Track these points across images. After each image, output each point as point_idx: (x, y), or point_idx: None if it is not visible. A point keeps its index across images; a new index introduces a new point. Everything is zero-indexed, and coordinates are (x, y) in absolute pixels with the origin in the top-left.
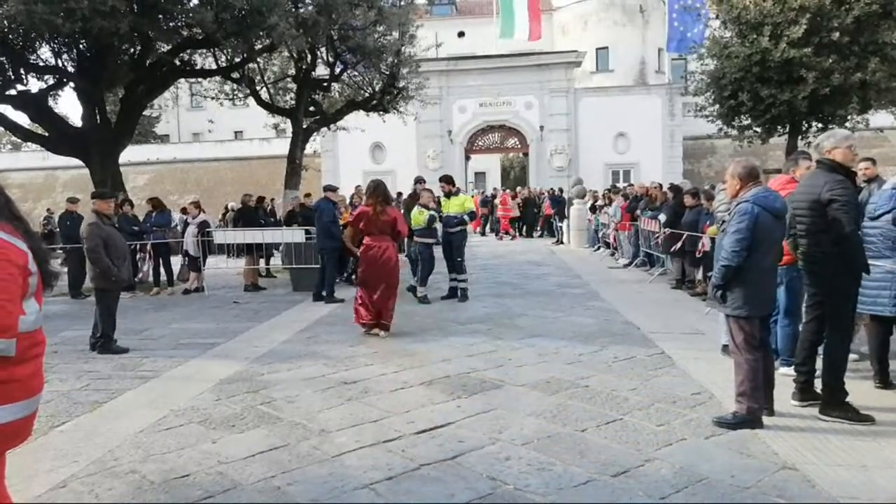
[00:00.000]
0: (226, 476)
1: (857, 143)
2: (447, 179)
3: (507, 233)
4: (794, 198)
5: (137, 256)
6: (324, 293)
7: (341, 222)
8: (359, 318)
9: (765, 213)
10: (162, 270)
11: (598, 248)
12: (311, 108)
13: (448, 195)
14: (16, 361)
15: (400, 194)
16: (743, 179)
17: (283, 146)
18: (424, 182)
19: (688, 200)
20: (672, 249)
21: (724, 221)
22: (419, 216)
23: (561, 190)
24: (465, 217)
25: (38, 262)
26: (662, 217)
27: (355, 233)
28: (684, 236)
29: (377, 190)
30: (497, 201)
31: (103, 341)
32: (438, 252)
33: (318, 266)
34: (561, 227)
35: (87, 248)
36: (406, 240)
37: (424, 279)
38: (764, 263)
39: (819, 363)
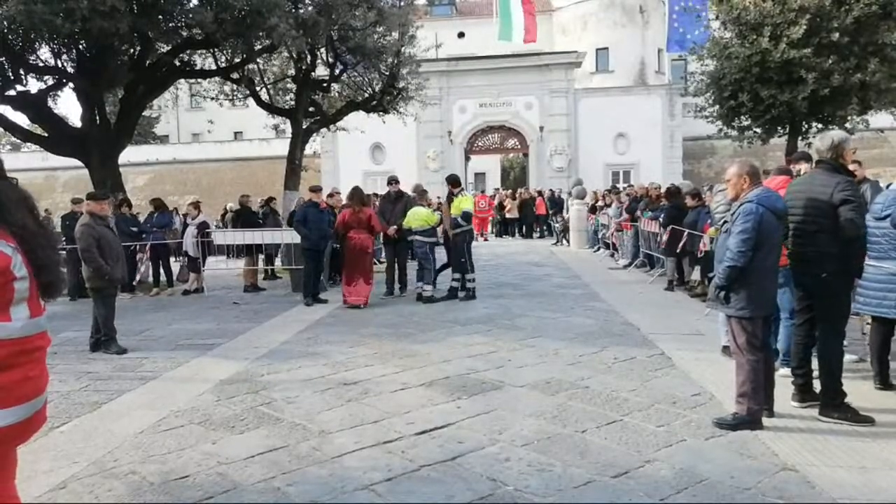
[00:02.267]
0: (226, 477)
1: (854, 144)
2: (450, 180)
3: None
4: (792, 197)
5: (137, 257)
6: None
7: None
8: (345, 299)
9: (769, 213)
10: (161, 271)
11: (598, 248)
12: (311, 109)
13: (450, 197)
14: None
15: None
16: (752, 177)
17: (282, 147)
18: (398, 182)
19: (688, 201)
20: (677, 250)
21: (725, 222)
22: (431, 216)
23: (561, 190)
24: (458, 219)
25: (37, 268)
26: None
27: (343, 227)
28: (685, 235)
29: (355, 195)
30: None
31: (107, 339)
32: (438, 254)
33: None
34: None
35: (80, 249)
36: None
37: (430, 279)
38: (767, 264)
39: (814, 363)
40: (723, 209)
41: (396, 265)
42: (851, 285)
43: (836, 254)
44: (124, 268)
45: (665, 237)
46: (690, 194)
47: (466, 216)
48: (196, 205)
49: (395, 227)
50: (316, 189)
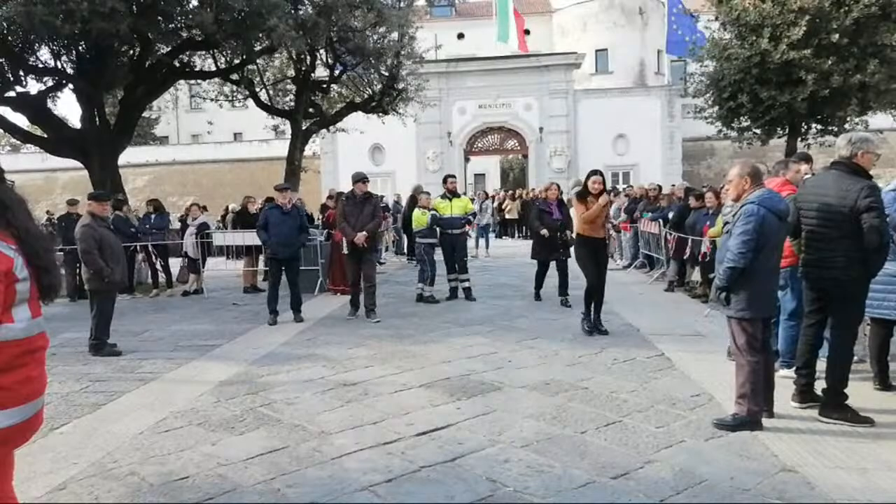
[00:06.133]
0: (225, 478)
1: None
2: (454, 178)
3: None
4: (807, 199)
5: (140, 257)
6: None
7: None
8: (331, 287)
9: (770, 214)
10: (161, 272)
11: None
12: (311, 110)
13: (451, 195)
14: None
15: (408, 198)
16: (753, 178)
17: (282, 148)
18: (367, 182)
19: (692, 202)
20: (684, 256)
21: (727, 223)
22: (422, 217)
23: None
24: (470, 217)
25: (39, 270)
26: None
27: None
28: (690, 239)
29: (339, 199)
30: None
31: (95, 343)
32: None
33: (314, 268)
34: None
35: (80, 250)
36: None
37: (432, 280)
38: (768, 265)
39: (819, 365)
40: (728, 211)
41: (362, 282)
42: (868, 288)
43: (860, 258)
44: (125, 269)
45: (673, 240)
46: (695, 195)
47: (475, 216)
48: (201, 208)
49: (363, 234)
50: (281, 188)
